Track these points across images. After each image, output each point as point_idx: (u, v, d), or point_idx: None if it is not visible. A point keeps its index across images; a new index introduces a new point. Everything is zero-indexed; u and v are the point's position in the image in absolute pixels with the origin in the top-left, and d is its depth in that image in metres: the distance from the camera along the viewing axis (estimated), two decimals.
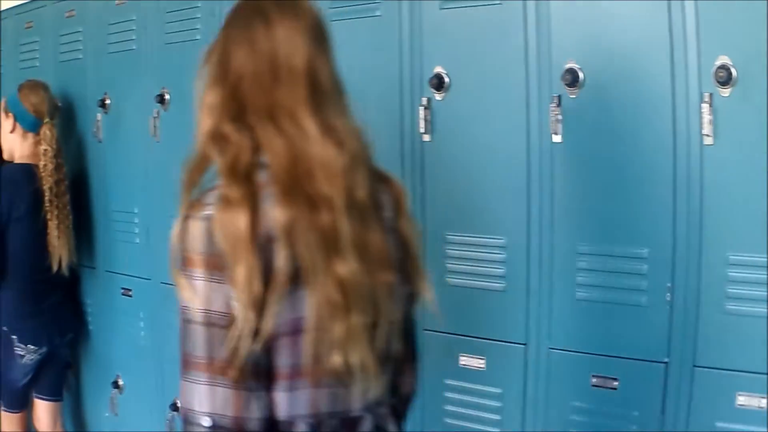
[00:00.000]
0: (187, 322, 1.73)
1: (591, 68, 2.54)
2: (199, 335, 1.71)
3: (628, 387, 2.57)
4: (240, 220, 1.68)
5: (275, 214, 1.70)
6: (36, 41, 4.78)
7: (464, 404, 2.90)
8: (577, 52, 2.56)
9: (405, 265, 1.92)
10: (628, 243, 2.53)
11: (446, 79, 2.83)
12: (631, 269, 2.53)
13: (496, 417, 2.82)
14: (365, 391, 1.83)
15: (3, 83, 4.56)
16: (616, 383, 2.59)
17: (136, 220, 4.17)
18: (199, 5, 3.72)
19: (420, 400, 2.80)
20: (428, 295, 1.96)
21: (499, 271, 2.78)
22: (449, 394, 2.93)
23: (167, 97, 3.88)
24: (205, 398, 1.69)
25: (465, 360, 2.88)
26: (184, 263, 1.74)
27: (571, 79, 2.55)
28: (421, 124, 2.90)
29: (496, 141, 2.77)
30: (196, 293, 1.71)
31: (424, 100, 2.88)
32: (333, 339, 1.73)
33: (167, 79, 3.90)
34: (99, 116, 4.32)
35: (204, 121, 1.82)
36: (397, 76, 2.98)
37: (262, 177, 1.73)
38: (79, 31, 4.44)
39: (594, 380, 2.61)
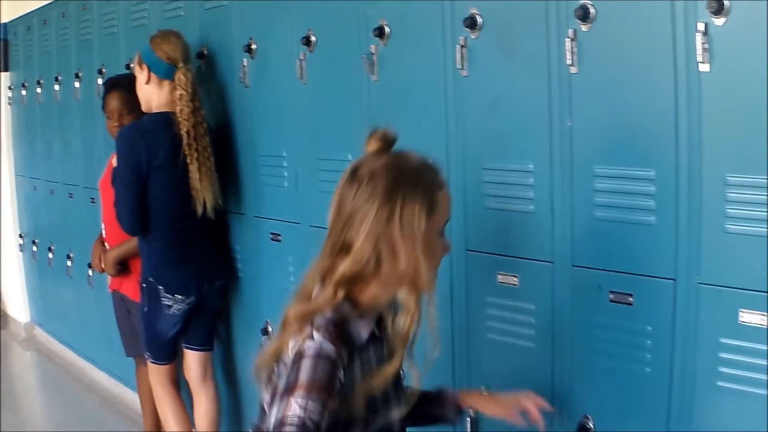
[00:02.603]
0: None
1: None
2: None
3: None
4: None
5: None
6: None
7: (613, 341, 3.04)
8: None
9: None
10: None
11: (591, 11, 2.94)
12: None
13: (648, 355, 2.94)
14: None
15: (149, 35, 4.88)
16: (765, 319, 2.65)
17: (285, 164, 4.41)
18: None
19: (568, 334, 3.11)
20: None
21: (649, 203, 2.88)
22: (597, 332, 3.08)
23: (313, 38, 4.08)
24: None
25: (613, 296, 3.02)
26: None
27: (717, 6, 2.60)
28: (567, 56, 3.02)
29: (643, 71, 2.86)
30: None
31: (571, 32, 3.00)
32: None
33: (312, 20, 4.11)
34: (245, 61, 4.57)
35: None
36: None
37: None
38: None
39: (743, 316, 2.70)
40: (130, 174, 4.48)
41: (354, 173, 2.46)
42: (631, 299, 2.97)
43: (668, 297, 2.87)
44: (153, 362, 4.84)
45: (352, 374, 2.41)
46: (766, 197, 2.60)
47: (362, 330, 2.48)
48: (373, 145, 2.51)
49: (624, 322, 3.00)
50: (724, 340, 2.75)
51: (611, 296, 3.02)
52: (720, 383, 2.77)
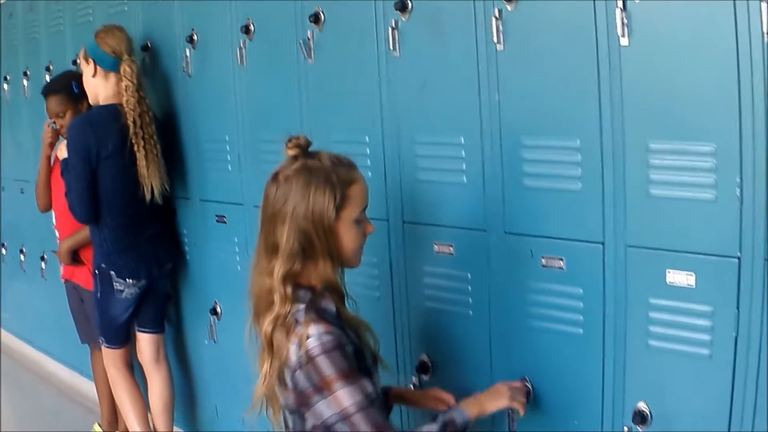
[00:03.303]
0: None
1: None
2: None
3: (704, 282, 2.67)
4: None
5: None
6: None
7: (547, 305, 3.08)
8: None
9: None
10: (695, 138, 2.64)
11: None
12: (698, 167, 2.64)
13: (581, 317, 3.00)
14: None
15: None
16: (692, 279, 2.70)
17: (228, 148, 4.44)
18: None
19: (503, 299, 3.17)
20: None
21: (575, 171, 2.92)
22: (531, 296, 3.12)
23: (252, 27, 4.11)
24: None
25: (545, 261, 3.07)
26: None
27: None
28: (494, 34, 3.06)
29: (567, 47, 2.90)
30: None
31: (496, 11, 3.04)
32: None
33: (251, 9, 4.13)
34: (187, 52, 4.58)
35: None
36: None
37: None
38: None
39: (670, 276, 2.75)
40: (80, 165, 4.50)
41: (274, 178, 2.74)
42: (562, 263, 3.02)
43: (597, 260, 2.91)
44: (107, 347, 4.86)
45: (349, 337, 2.70)
46: (685, 161, 2.65)
47: (329, 305, 2.74)
48: (290, 151, 2.72)
49: (556, 285, 3.04)
50: (653, 300, 2.80)
51: (543, 261, 3.06)
52: (651, 342, 2.82)
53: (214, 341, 4.81)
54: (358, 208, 2.75)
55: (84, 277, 5.07)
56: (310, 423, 2.65)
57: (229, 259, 4.57)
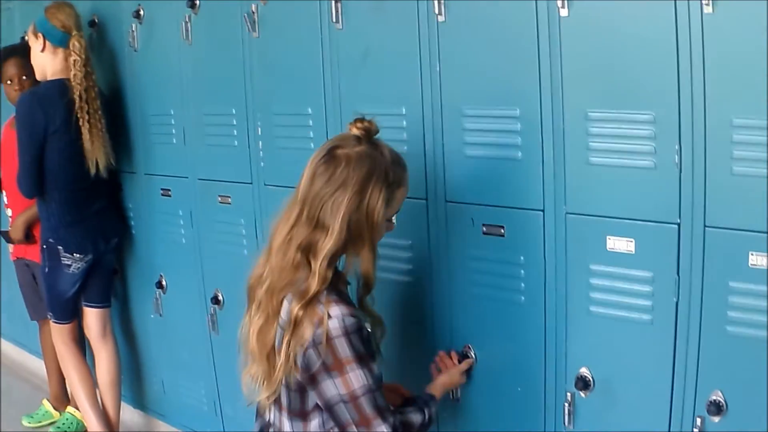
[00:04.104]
0: None
1: None
2: None
3: (644, 248, 2.69)
4: None
5: None
6: None
7: (488, 272, 3.09)
8: None
9: None
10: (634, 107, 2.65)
11: None
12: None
13: (522, 284, 3.00)
14: None
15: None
16: (632, 245, 2.72)
17: (172, 122, 4.42)
18: None
19: (445, 268, 3.15)
20: None
21: (516, 140, 2.93)
22: (473, 264, 3.13)
23: (197, 2, 4.07)
24: None
25: (485, 229, 3.07)
26: None
27: None
28: (435, 6, 3.06)
29: (507, 18, 2.90)
30: None
31: None
32: None
33: None
34: (134, 27, 4.55)
35: None
36: None
37: None
38: None
39: (610, 242, 2.76)
40: (27, 140, 4.49)
41: (331, 153, 2.65)
42: (502, 231, 3.02)
43: (538, 227, 2.92)
44: (56, 322, 4.84)
45: (365, 318, 2.76)
46: (624, 129, 2.66)
47: (343, 288, 2.77)
48: (355, 131, 2.67)
49: (497, 253, 3.05)
50: (593, 267, 2.81)
51: (484, 229, 3.06)
52: (593, 308, 2.84)
53: (160, 315, 4.80)
54: (395, 210, 2.77)
55: (37, 254, 5.00)
56: (311, 402, 2.66)
57: (174, 232, 4.56)
